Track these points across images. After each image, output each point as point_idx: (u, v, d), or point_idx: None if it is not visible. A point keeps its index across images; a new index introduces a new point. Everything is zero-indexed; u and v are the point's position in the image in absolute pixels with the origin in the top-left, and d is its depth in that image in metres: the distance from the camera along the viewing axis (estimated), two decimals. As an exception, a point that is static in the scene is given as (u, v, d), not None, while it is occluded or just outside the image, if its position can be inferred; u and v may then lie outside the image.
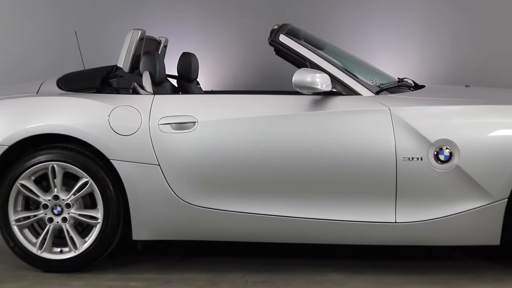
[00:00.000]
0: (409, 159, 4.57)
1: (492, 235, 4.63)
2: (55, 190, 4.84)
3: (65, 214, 4.84)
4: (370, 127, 4.63)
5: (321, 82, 4.64)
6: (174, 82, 6.02)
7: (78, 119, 4.82)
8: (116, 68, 5.19)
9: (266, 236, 4.78)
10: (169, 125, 4.77)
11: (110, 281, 4.74)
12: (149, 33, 5.63)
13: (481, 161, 4.55)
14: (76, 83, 5.17)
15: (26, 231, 4.93)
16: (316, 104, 4.73)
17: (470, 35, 7.59)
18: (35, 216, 4.88)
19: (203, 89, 6.43)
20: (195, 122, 4.76)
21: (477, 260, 5.13)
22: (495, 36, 7.61)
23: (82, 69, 5.61)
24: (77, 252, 4.85)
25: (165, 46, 6.18)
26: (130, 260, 5.18)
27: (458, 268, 4.95)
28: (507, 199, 4.57)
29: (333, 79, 4.78)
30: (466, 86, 5.91)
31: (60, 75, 5.36)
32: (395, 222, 4.62)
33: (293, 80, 4.65)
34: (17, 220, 4.88)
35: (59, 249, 4.90)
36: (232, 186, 4.71)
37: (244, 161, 4.68)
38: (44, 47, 7.68)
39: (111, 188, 4.79)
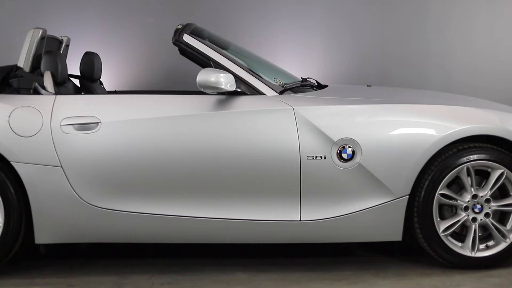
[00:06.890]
0: (313, 158, 4.63)
1: (394, 231, 4.73)
2: (-47, 194, 4.70)
3: (-36, 219, 4.72)
4: (274, 127, 4.66)
5: (225, 82, 4.65)
6: (76, 82, 5.93)
7: (-23, 120, 4.70)
8: (16, 68, 5.08)
9: (171, 236, 4.76)
10: (71, 126, 4.70)
11: (12, 286, 4.64)
12: (50, 32, 5.53)
13: (383, 159, 4.64)
14: (-26, 83, 5.04)
15: None
16: (221, 104, 4.74)
17: (371, 35, 7.74)
18: None
19: (107, 89, 6.36)
20: (98, 122, 4.70)
21: (380, 255, 5.22)
22: (395, 36, 7.78)
23: (-19, 69, 5.47)
24: (-23, 257, 4.73)
25: (67, 46, 6.09)
26: (33, 264, 5.07)
27: (362, 263, 5.03)
28: (408, 196, 4.68)
29: (237, 79, 4.80)
30: (368, 85, 6.03)
31: (-43, 75, 5.21)
32: (300, 220, 4.67)
33: (197, 80, 4.65)
34: None
35: (-42, 255, 4.77)
36: (135, 187, 4.67)
37: (148, 162, 4.65)
38: None
39: (12, 191, 4.68)
